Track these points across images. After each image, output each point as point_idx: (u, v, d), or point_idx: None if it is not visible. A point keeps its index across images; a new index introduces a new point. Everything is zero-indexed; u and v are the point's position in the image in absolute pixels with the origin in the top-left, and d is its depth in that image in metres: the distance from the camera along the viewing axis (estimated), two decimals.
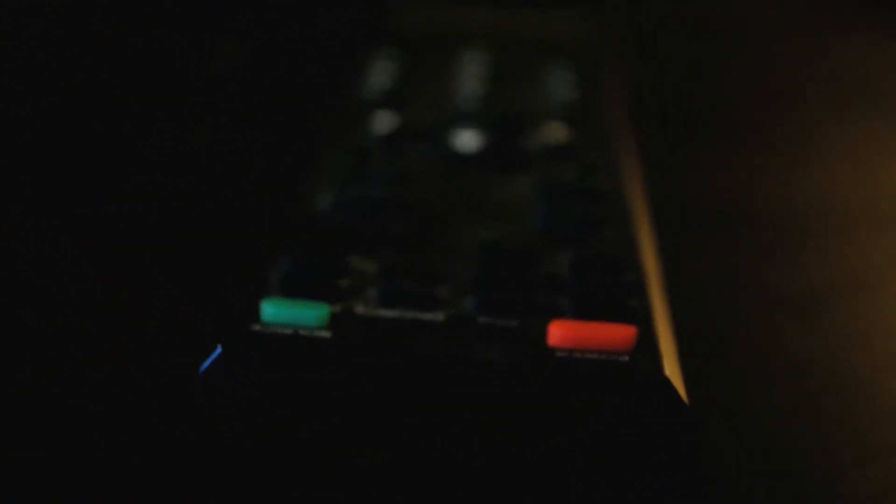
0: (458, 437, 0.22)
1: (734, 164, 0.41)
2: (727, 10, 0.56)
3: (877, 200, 0.38)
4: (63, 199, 0.36)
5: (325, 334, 0.23)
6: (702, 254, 0.35)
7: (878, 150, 0.42)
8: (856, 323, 0.32)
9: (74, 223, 0.34)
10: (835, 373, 0.30)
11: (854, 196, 0.39)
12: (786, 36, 0.53)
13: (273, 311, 0.23)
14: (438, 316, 0.24)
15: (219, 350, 0.22)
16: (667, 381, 0.22)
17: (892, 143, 0.42)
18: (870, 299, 0.33)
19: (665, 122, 0.43)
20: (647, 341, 0.23)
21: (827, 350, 0.31)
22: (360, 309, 0.24)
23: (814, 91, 0.47)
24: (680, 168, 0.40)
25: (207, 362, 0.22)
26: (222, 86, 0.43)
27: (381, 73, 0.36)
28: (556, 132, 0.32)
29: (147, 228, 0.34)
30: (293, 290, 0.24)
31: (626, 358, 0.22)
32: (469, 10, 0.42)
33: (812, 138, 0.43)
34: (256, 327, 0.23)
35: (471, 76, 0.36)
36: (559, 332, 0.23)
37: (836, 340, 0.31)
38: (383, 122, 0.32)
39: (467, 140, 0.32)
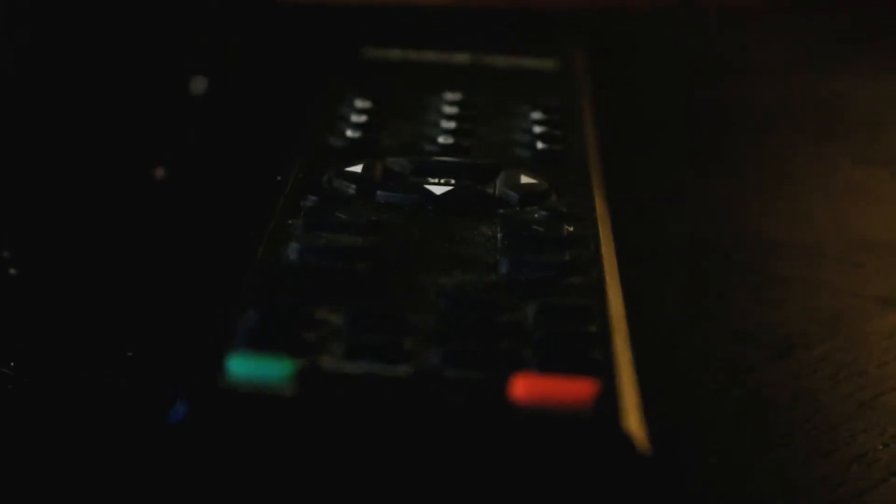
0: (421, 496, 0.23)
1: (710, 201, 0.41)
2: (706, 43, 0.57)
3: (854, 242, 0.39)
4: (26, 252, 0.36)
5: (291, 391, 0.24)
6: (673, 295, 0.36)
7: (861, 191, 0.42)
8: (828, 365, 0.33)
9: (38, 272, 0.35)
10: (806, 416, 0.30)
11: (831, 236, 0.39)
12: (769, 68, 0.54)
13: (239, 366, 0.24)
14: (403, 371, 0.25)
15: (184, 406, 0.23)
16: (624, 436, 0.23)
17: (877, 183, 0.43)
18: (843, 341, 0.34)
19: (638, 157, 0.44)
20: (610, 394, 0.24)
21: (799, 393, 0.31)
22: (326, 363, 0.25)
23: (796, 125, 0.48)
24: (653, 205, 0.41)
25: (173, 418, 0.23)
26: (188, 127, 0.44)
27: (350, 118, 0.37)
28: (525, 176, 0.33)
29: (112, 276, 0.35)
30: (259, 342, 0.25)
31: (587, 412, 0.23)
32: (439, 52, 0.43)
33: (792, 174, 0.44)
34: (222, 383, 0.24)
35: (441, 120, 0.37)
36: (521, 386, 0.24)
37: (809, 383, 0.32)
38: (352, 168, 0.33)
39: (437, 185, 0.32)
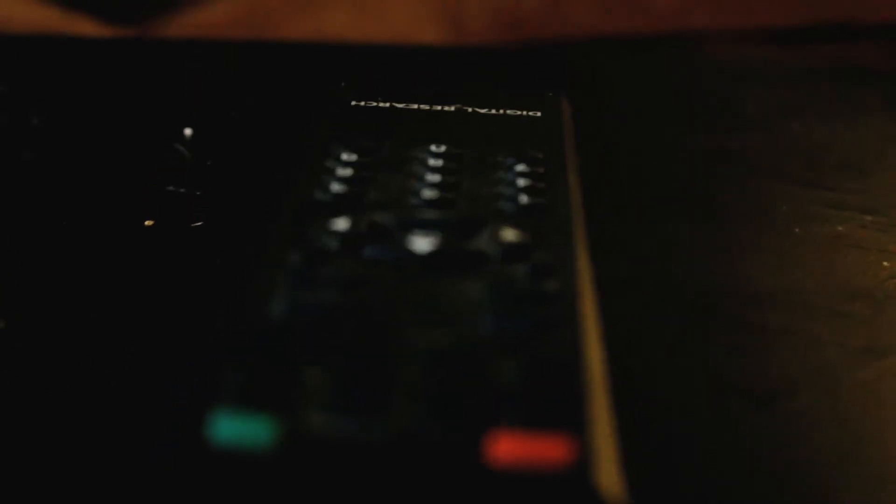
0: None
1: (694, 250, 0.42)
2: (690, 88, 0.58)
3: (838, 291, 0.40)
4: (13, 303, 0.37)
5: (274, 453, 0.24)
6: (656, 345, 0.36)
7: (845, 239, 0.43)
8: (811, 416, 0.33)
9: (24, 323, 0.36)
10: (789, 466, 0.31)
11: (816, 285, 0.40)
12: (753, 114, 0.55)
13: (222, 427, 0.25)
14: (384, 430, 0.25)
15: (169, 467, 0.24)
16: (599, 495, 0.23)
17: (860, 231, 0.44)
18: (826, 392, 0.35)
19: (622, 206, 0.45)
20: (586, 450, 0.25)
21: (782, 443, 0.32)
22: (309, 423, 0.25)
23: (780, 172, 0.48)
24: (636, 255, 0.41)
25: (158, 480, 0.24)
26: (173, 182, 0.45)
27: (335, 171, 0.38)
28: (508, 231, 0.34)
29: (97, 329, 0.36)
30: (243, 401, 0.26)
31: (563, 470, 0.24)
32: (425, 102, 0.44)
33: (776, 222, 0.44)
34: (206, 442, 0.25)
35: (426, 173, 0.38)
36: (498, 444, 0.24)
37: (791, 433, 0.33)
38: (338, 223, 0.34)
39: (421, 241, 0.33)
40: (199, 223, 0.42)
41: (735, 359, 0.36)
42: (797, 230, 0.43)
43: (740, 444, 0.32)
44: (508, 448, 0.24)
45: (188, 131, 0.48)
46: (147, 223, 0.42)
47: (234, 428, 0.25)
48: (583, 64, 0.61)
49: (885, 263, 0.41)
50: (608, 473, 0.24)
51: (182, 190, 0.44)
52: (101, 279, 0.38)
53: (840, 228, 0.44)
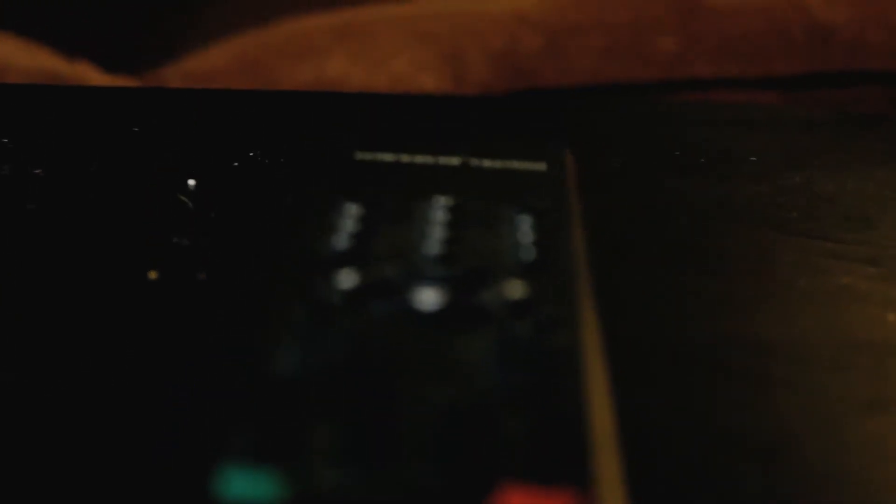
0: None
1: (697, 302, 0.42)
2: (692, 139, 0.58)
3: (841, 343, 0.40)
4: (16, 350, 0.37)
5: None
6: (660, 398, 0.37)
7: (848, 291, 0.43)
8: (818, 471, 0.34)
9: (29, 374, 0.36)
10: None
11: (818, 338, 0.40)
12: (756, 165, 0.55)
13: (230, 483, 0.25)
14: (392, 487, 0.26)
15: None
16: None
17: (863, 283, 0.44)
18: (829, 446, 0.35)
19: (627, 258, 0.45)
20: None
21: (787, 499, 0.32)
22: (317, 479, 0.26)
23: (783, 223, 0.49)
24: (641, 307, 0.42)
25: None
26: (176, 234, 0.45)
27: (340, 228, 0.38)
28: (514, 287, 0.34)
29: (100, 389, 0.36)
30: (251, 457, 0.26)
31: None
32: (429, 155, 0.44)
33: (780, 274, 0.44)
34: (214, 501, 0.25)
35: (431, 227, 0.38)
36: (506, 500, 0.25)
37: (798, 487, 0.33)
38: (343, 278, 0.34)
39: (427, 296, 0.34)
40: (203, 275, 0.42)
41: (738, 411, 0.36)
42: (801, 282, 0.44)
43: (744, 499, 0.32)
44: (515, 503, 0.25)
45: (192, 182, 0.49)
46: (151, 275, 0.42)
47: (241, 484, 0.25)
48: (583, 112, 0.62)
49: (891, 316, 0.42)
50: None
51: (186, 242, 0.44)
52: (104, 332, 0.39)
53: (844, 280, 0.44)
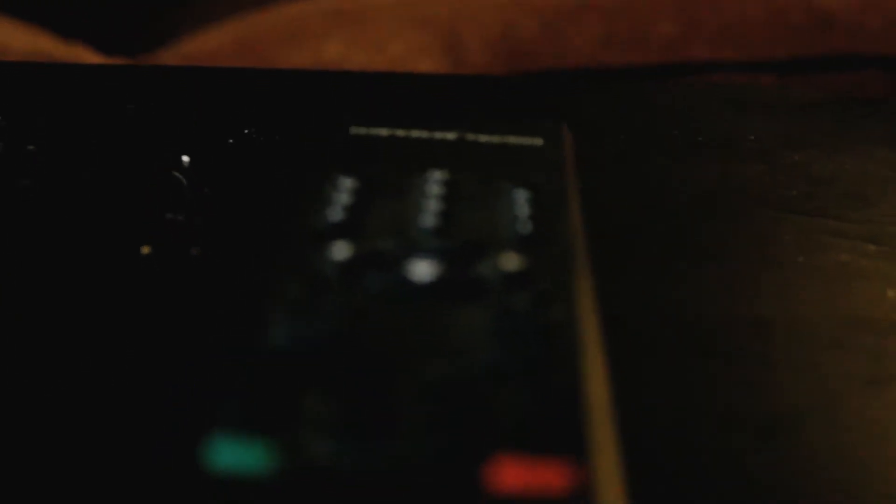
0: None
1: (697, 281, 0.42)
2: (693, 118, 0.58)
3: (842, 321, 0.40)
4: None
5: (272, 479, 0.24)
6: (658, 377, 0.36)
7: (849, 269, 0.43)
8: (818, 448, 0.33)
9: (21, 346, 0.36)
10: (796, 501, 0.31)
11: (819, 316, 0.40)
12: (757, 145, 0.55)
13: (220, 452, 0.25)
14: (385, 459, 0.25)
15: (166, 493, 0.24)
16: None
17: (864, 261, 0.44)
18: (831, 424, 0.35)
19: (625, 237, 0.45)
20: (588, 478, 0.25)
21: (788, 476, 0.32)
22: (308, 450, 0.25)
23: (784, 203, 0.48)
24: (639, 285, 0.41)
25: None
26: (170, 210, 0.45)
27: (335, 202, 0.38)
28: (510, 260, 0.34)
29: (93, 362, 0.36)
30: (242, 427, 0.26)
31: (567, 497, 0.24)
32: (426, 130, 0.44)
33: (780, 253, 0.44)
34: (204, 470, 0.25)
35: (427, 200, 0.38)
36: (501, 473, 0.24)
37: (798, 465, 0.33)
38: (338, 251, 0.34)
39: (422, 269, 0.33)
40: (197, 251, 0.42)
41: (738, 389, 0.36)
42: (800, 260, 0.44)
43: (743, 477, 0.32)
44: (510, 475, 0.24)
45: (186, 159, 0.49)
46: (144, 250, 0.42)
47: (231, 453, 0.25)
48: (581, 94, 0.62)
49: (891, 293, 0.41)
50: (611, 500, 0.24)
51: (180, 217, 0.44)
52: (98, 307, 0.38)
53: (844, 258, 0.44)
